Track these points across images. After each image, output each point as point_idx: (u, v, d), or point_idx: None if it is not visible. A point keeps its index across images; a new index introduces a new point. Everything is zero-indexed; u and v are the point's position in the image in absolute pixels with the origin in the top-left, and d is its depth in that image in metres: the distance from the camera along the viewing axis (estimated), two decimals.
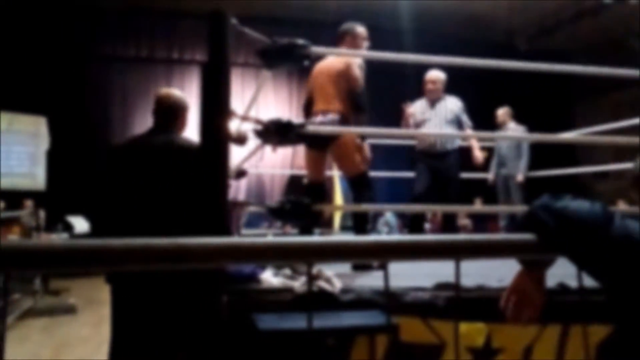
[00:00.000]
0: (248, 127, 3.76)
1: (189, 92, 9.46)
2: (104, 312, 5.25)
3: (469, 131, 4.49)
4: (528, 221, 0.87)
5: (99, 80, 9.13)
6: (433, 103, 4.46)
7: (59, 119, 8.54)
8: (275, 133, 2.89)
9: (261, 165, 6.76)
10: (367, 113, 3.38)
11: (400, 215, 7.67)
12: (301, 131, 2.88)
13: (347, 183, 3.48)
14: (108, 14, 8.62)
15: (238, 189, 9.02)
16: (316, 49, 2.96)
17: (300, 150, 8.77)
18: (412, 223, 4.53)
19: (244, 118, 3.24)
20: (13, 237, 6.09)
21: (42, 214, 5.91)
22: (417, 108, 4.49)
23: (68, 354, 3.95)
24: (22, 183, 7.95)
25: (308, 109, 3.62)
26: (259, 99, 3.94)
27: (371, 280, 2.78)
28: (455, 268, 0.76)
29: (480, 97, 6.73)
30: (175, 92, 2.81)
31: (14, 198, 6.73)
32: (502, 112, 6.12)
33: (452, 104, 4.46)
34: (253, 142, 3.73)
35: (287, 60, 2.95)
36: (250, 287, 2.44)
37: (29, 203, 6.69)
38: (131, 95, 9.28)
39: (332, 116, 3.36)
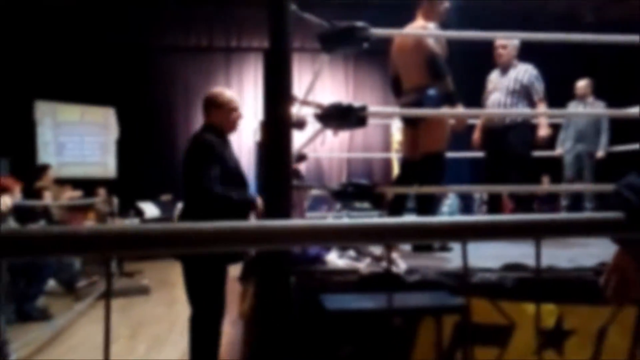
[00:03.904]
0: (307, 112, 3.80)
1: (247, 79, 9.62)
2: (176, 293, 5.52)
3: (537, 108, 4.17)
4: (614, 199, 0.84)
5: (161, 71, 9.43)
6: (504, 71, 4.17)
7: (126, 109, 8.91)
8: (336, 117, 2.90)
9: (320, 149, 6.82)
10: (448, 76, 3.26)
11: (463, 198, 7.54)
12: (362, 114, 2.89)
13: (421, 161, 3.40)
14: (168, 5, 8.85)
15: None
16: (376, 31, 2.94)
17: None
18: (490, 205, 4.41)
19: (305, 103, 3.27)
20: (89, 222, 6.46)
21: (115, 200, 6.23)
22: (491, 78, 4.28)
23: (143, 333, 4.17)
24: (94, 171, 8.38)
25: (397, 88, 3.61)
26: (315, 83, 3.95)
27: (435, 262, 2.77)
28: (535, 248, 0.75)
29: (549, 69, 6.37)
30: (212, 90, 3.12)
31: (88, 186, 7.10)
32: (583, 85, 5.72)
33: (522, 73, 4.11)
34: (311, 126, 3.77)
35: (346, 44, 2.96)
36: (316, 269, 2.49)
37: (102, 191, 7.05)
38: (192, 84, 9.54)
39: (414, 95, 3.35)
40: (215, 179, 2.72)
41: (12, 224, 3.87)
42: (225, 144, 2.95)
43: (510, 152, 4.02)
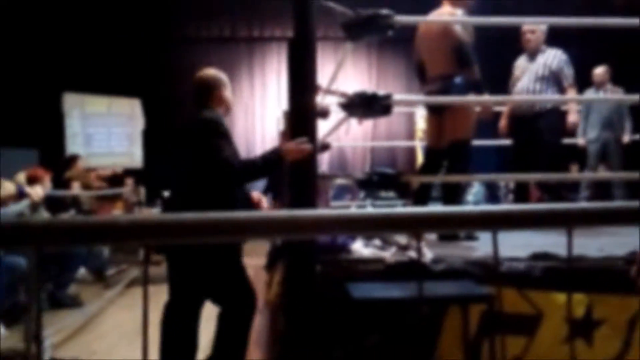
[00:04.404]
0: (330, 101, 3.80)
1: (269, 69, 9.63)
2: None
3: (566, 94, 4.07)
4: None
5: (185, 62, 9.48)
6: (532, 56, 4.08)
7: (151, 100, 9.02)
8: (361, 105, 2.90)
9: (343, 138, 6.81)
10: (476, 64, 3.23)
11: (489, 186, 7.45)
12: (387, 103, 2.88)
13: (447, 149, 3.38)
14: None
15: (320, 162, 9.13)
16: (400, 19, 2.92)
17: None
18: (516, 194, 4.35)
19: (330, 92, 3.27)
20: (117, 212, 6.58)
21: (142, 190, 6.33)
22: (518, 63, 4.20)
23: None
24: (121, 162, 8.50)
25: (422, 75, 3.57)
26: (339, 71, 3.94)
27: (461, 251, 2.76)
28: (567, 237, 0.75)
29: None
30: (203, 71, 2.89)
31: (115, 176, 7.23)
32: (601, 72, 5.53)
33: (550, 58, 4.01)
34: (334, 115, 3.77)
35: (371, 32, 2.94)
36: (342, 258, 2.50)
37: (130, 181, 7.17)
38: None
39: (440, 83, 3.31)
40: (233, 153, 2.58)
41: (43, 213, 3.98)
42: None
43: (540, 139, 3.95)
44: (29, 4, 8.05)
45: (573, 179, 5.32)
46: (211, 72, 2.85)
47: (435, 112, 3.47)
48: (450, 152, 3.34)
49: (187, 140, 2.71)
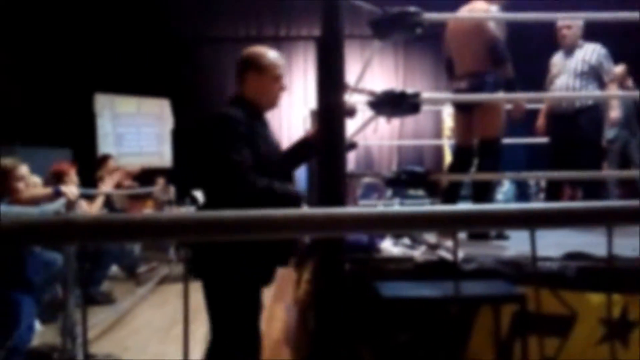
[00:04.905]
0: (356, 100, 3.79)
1: (296, 68, 9.66)
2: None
3: (607, 90, 3.91)
4: None
5: (213, 62, 9.60)
6: (569, 52, 3.99)
7: (180, 100, 9.14)
8: (389, 104, 2.88)
9: (370, 137, 6.78)
10: (509, 63, 3.19)
11: (519, 185, 7.34)
12: (415, 101, 2.86)
13: (478, 148, 3.35)
14: None
15: (347, 161, 9.11)
16: (429, 16, 2.90)
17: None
18: (548, 192, 4.27)
19: (358, 90, 3.26)
20: (148, 210, 6.69)
21: (172, 189, 6.42)
22: (554, 61, 4.12)
23: (201, 317, 4.29)
24: (151, 161, 8.65)
25: (450, 72, 3.53)
26: (366, 70, 3.93)
27: (492, 250, 2.73)
28: (607, 236, 0.74)
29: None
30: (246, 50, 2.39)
31: (145, 175, 7.35)
32: (621, 70, 5.28)
33: (589, 53, 3.92)
34: (360, 114, 3.75)
35: (399, 30, 2.92)
36: (370, 256, 2.50)
37: (161, 180, 7.28)
38: None
39: (471, 80, 3.26)
40: (248, 165, 2.08)
41: (79, 212, 4.07)
42: (260, 122, 2.28)
43: (580, 137, 3.87)
44: (61, 8, 8.25)
45: (607, 176, 5.19)
46: (261, 49, 2.35)
47: (465, 109, 3.43)
48: (480, 150, 3.30)
49: (202, 137, 2.26)
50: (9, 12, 7.64)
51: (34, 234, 0.68)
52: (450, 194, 3.38)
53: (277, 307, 4.38)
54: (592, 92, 3.88)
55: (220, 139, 2.12)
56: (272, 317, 4.11)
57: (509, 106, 3.41)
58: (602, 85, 3.89)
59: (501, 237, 3.08)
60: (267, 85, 2.28)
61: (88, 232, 0.68)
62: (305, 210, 0.73)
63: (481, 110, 3.24)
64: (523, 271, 2.27)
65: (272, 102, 2.34)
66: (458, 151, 3.59)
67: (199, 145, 2.24)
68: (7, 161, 3.22)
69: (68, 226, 0.68)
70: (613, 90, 3.92)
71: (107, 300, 4.59)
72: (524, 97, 3.44)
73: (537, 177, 5.87)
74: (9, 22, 7.69)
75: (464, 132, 3.45)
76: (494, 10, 3.25)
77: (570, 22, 3.91)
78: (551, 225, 0.74)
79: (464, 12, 3.39)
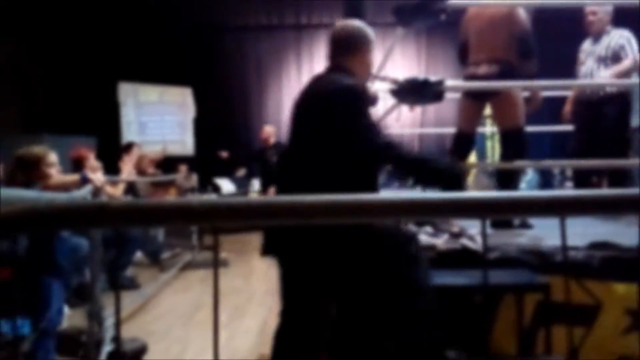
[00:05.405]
0: (379, 87, 3.76)
1: (317, 56, 9.63)
2: (253, 265, 5.73)
3: (609, 73, 3.73)
4: None
5: (234, 50, 9.64)
6: (596, 39, 3.90)
7: (202, 89, 9.21)
8: (412, 92, 2.86)
9: (392, 125, 6.74)
10: (535, 58, 3.12)
11: (542, 174, 7.24)
12: (439, 89, 2.83)
13: (501, 137, 3.30)
14: None
15: None
16: (454, 2, 2.87)
17: None
18: (576, 181, 4.19)
19: (380, 78, 3.23)
20: (170, 198, 6.78)
21: (194, 177, 6.50)
22: (583, 47, 4.02)
23: (224, 303, 4.31)
24: (173, 149, 8.75)
25: (464, 56, 3.38)
26: (388, 58, 3.89)
27: (515, 238, 2.71)
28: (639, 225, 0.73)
29: None
30: (349, 23, 2.26)
31: (167, 163, 7.45)
32: None
33: (615, 38, 3.81)
34: (382, 102, 3.72)
35: (423, 16, 2.90)
36: None
37: (183, 167, 7.37)
38: (264, 63, 9.69)
39: (495, 67, 3.12)
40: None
41: (104, 198, 4.14)
42: None
43: (605, 125, 3.79)
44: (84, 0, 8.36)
45: (633, 165, 5.09)
46: (359, 25, 2.23)
47: (480, 97, 3.27)
48: (504, 140, 3.24)
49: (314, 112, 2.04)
50: (33, 2, 7.76)
51: (70, 218, 0.71)
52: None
53: None
54: (611, 80, 3.78)
55: (362, 111, 1.99)
56: None
57: (525, 94, 3.34)
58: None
59: (525, 225, 3.05)
60: (370, 62, 2.23)
61: (123, 216, 0.70)
62: (333, 196, 0.74)
63: (504, 99, 3.15)
64: (547, 260, 2.26)
65: (367, 80, 2.30)
66: (461, 137, 3.43)
67: (328, 119, 1.97)
68: (39, 149, 3.29)
69: (104, 211, 0.70)
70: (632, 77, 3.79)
71: (132, 285, 4.68)
72: (549, 85, 3.38)
73: (559, 166, 5.77)
74: (33, 13, 7.81)
75: (473, 118, 3.39)
76: (521, 10, 3.14)
77: (596, 8, 3.82)
78: (582, 213, 0.73)
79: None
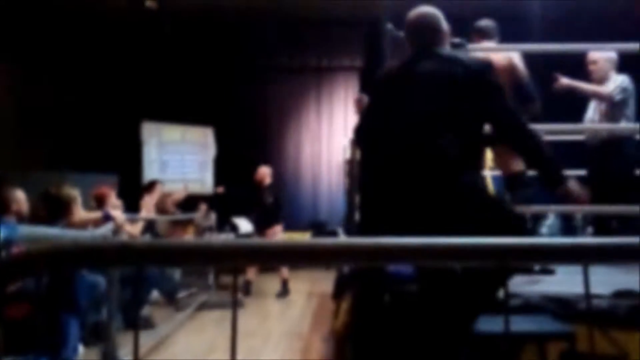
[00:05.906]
0: None
1: (337, 98, 9.76)
2: (269, 307, 5.67)
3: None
4: None
5: (255, 91, 9.82)
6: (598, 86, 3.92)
7: (223, 129, 9.36)
8: None
9: None
10: (538, 101, 3.17)
11: (564, 219, 7.11)
12: None
13: (505, 182, 3.33)
14: (267, 27, 9.15)
15: None
16: (472, 47, 2.91)
17: None
18: (597, 227, 4.14)
19: None
20: (188, 236, 6.81)
21: (213, 215, 6.53)
22: None
23: (239, 345, 4.29)
24: (193, 188, 8.84)
25: None
26: None
27: (537, 285, 2.65)
28: None
29: None
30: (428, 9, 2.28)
31: (186, 201, 7.51)
32: None
33: (611, 87, 3.79)
34: None
35: None
36: (411, 288, 2.46)
37: (203, 206, 7.42)
38: (285, 104, 9.85)
39: None
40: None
41: (124, 236, 4.18)
42: None
43: (609, 169, 3.77)
44: (111, 40, 8.67)
45: None
46: (434, 11, 2.26)
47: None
48: (508, 185, 3.29)
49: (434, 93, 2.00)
50: (60, 42, 8.07)
51: (94, 257, 0.72)
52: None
53: (315, 337, 4.36)
54: (602, 125, 3.78)
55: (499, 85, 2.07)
56: (309, 348, 4.08)
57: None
58: (625, 117, 3.76)
59: (546, 271, 2.99)
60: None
61: (147, 256, 0.70)
62: (353, 240, 0.74)
63: (504, 145, 3.18)
64: (571, 308, 2.20)
65: None
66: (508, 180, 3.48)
67: (480, 95, 1.99)
68: (71, 191, 3.37)
69: (126, 250, 0.71)
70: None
71: (147, 324, 4.65)
72: (548, 129, 3.36)
73: (571, 211, 5.68)
74: (60, 52, 8.11)
75: (503, 160, 3.42)
76: (516, 56, 3.25)
77: (597, 56, 3.84)
78: (605, 262, 0.72)
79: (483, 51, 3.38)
